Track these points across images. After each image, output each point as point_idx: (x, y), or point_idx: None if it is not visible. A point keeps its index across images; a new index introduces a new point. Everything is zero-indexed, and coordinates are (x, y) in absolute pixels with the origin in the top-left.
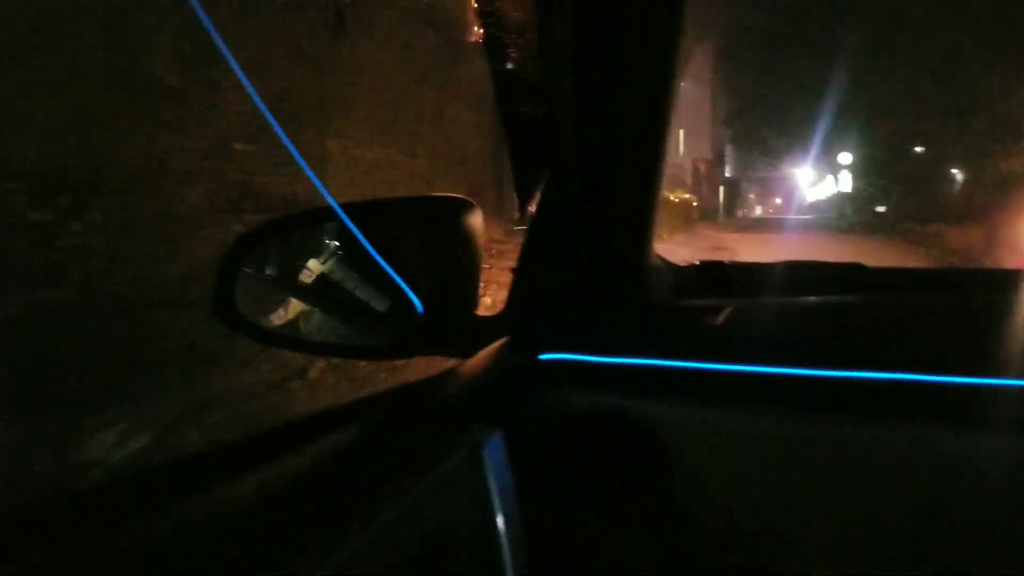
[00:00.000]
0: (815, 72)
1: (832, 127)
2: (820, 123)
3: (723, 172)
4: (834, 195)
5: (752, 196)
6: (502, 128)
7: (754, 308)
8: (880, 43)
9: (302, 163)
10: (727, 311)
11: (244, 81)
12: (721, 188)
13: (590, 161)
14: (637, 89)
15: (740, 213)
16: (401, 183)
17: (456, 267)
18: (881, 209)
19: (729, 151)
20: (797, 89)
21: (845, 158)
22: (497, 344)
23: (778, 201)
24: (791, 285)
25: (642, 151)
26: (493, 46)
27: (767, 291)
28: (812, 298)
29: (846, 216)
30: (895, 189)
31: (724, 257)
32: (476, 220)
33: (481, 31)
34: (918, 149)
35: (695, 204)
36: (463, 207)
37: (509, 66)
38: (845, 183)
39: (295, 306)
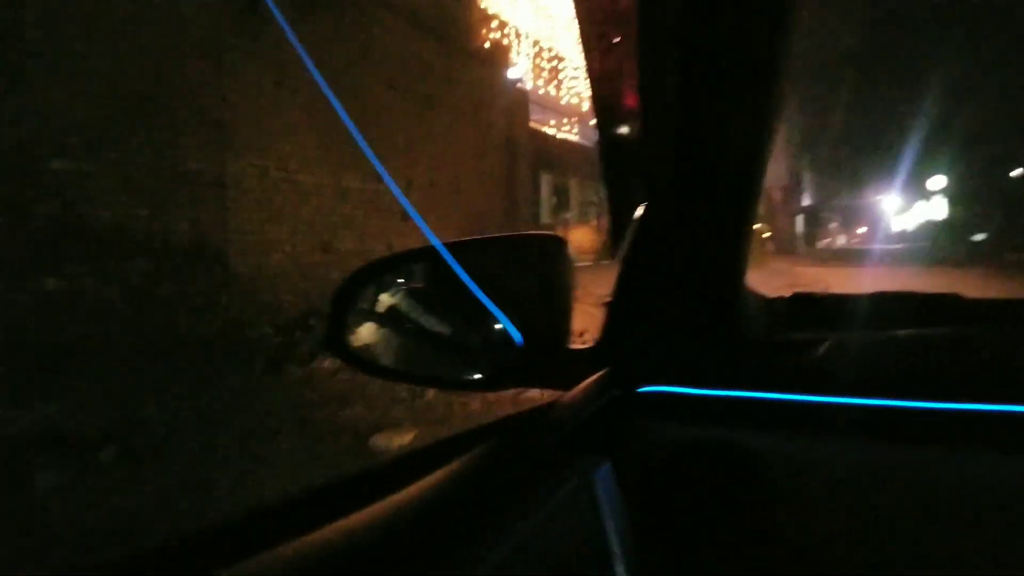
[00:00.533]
0: (904, 89)
1: (923, 149)
2: (909, 145)
3: (800, 200)
4: (925, 223)
5: (834, 225)
6: (600, 159)
7: (852, 342)
8: (978, 57)
9: (397, 192)
10: (826, 345)
11: (306, 61)
12: (799, 217)
13: (687, 192)
14: (738, 120)
15: (821, 244)
16: (354, 217)
17: (551, 301)
18: (979, 238)
19: (807, 177)
20: (884, 108)
21: (937, 183)
22: (596, 376)
23: (862, 230)
24: (887, 317)
25: (740, 182)
26: (595, 71)
27: (862, 323)
28: (910, 331)
29: (940, 245)
30: (995, 216)
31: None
32: (568, 255)
33: (488, 37)
34: (1015, 173)
35: (766, 235)
36: (555, 243)
37: (610, 92)
38: (938, 210)
39: (372, 333)
